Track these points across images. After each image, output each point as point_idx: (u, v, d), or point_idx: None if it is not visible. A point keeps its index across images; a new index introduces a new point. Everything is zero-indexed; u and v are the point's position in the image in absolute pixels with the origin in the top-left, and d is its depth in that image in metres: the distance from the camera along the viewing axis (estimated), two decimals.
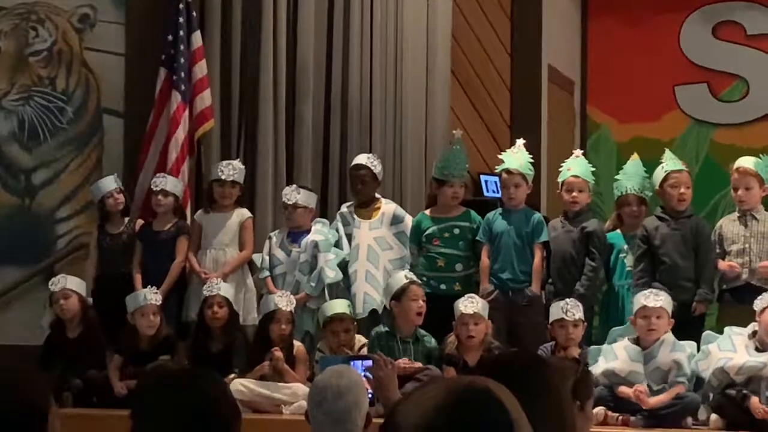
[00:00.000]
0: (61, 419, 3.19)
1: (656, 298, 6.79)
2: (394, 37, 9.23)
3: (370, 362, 5.39)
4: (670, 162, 7.56)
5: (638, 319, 6.81)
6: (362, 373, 4.78)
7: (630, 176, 7.66)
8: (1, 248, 8.82)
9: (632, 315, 6.90)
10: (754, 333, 6.74)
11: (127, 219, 8.26)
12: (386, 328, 7.29)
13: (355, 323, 7.51)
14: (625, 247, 7.63)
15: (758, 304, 6.75)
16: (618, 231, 7.74)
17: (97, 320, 7.77)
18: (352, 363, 5.61)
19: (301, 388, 6.88)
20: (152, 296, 7.57)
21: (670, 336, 6.82)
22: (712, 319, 7.58)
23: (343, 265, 7.95)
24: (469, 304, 7.05)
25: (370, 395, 4.66)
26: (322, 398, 3.86)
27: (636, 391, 6.64)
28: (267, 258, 8.01)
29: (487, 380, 2.06)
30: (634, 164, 7.74)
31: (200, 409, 2.67)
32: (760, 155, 7.49)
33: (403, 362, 6.89)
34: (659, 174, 7.50)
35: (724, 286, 7.37)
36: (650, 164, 7.74)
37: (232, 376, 7.11)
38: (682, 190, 7.45)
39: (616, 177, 7.79)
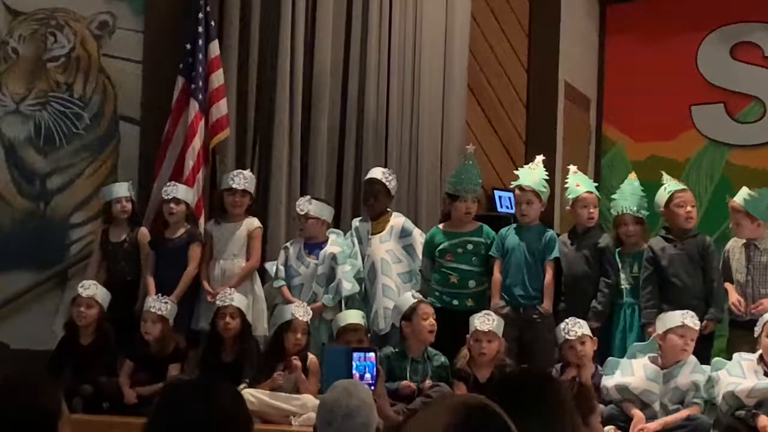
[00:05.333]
0: (71, 425, 3.20)
1: (694, 321, 6.79)
2: (411, 51, 9.24)
3: (372, 354, 5.41)
4: (671, 183, 7.58)
5: (673, 336, 6.77)
6: (366, 365, 4.79)
7: (626, 196, 7.67)
8: (14, 252, 8.84)
9: (660, 331, 6.87)
10: (761, 357, 6.75)
11: (129, 228, 8.26)
12: (396, 349, 7.25)
13: (369, 334, 7.52)
14: (620, 265, 7.63)
15: (757, 330, 6.77)
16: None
17: (111, 330, 7.78)
18: (354, 354, 5.63)
19: (311, 400, 6.88)
20: (155, 304, 7.58)
21: (692, 358, 6.81)
22: (722, 341, 7.57)
23: (359, 278, 7.96)
24: (485, 321, 7.03)
25: (372, 388, 4.67)
26: (331, 418, 3.85)
27: (636, 430, 6.62)
28: (282, 268, 8.01)
29: (482, 397, 2.07)
30: (630, 184, 7.74)
31: (215, 420, 2.68)
32: (756, 190, 7.44)
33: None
34: (663, 195, 7.50)
35: (732, 316, 7.38)
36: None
37: (243, 386, 7.11)
38: (689, 208, 7.48)
39: (612, 197, 7.80)
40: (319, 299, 7.85)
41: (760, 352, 6.75)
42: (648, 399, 6.73)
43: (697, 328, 6.81)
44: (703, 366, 6.85)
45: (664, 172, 7.74)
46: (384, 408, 6.54)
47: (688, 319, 6.79)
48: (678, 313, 6.87)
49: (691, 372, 6.75)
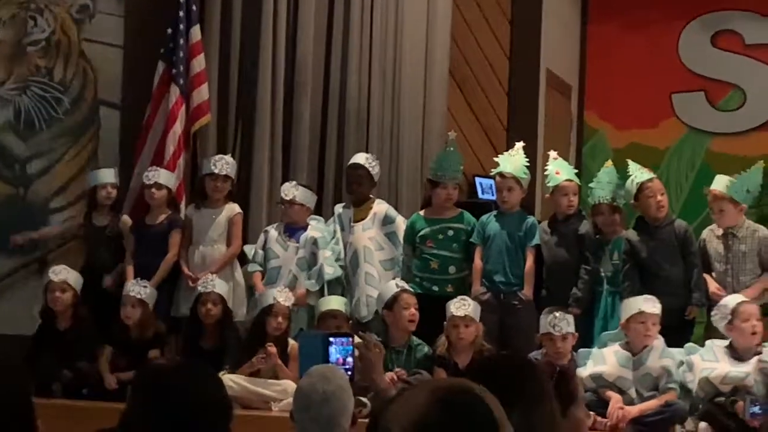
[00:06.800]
0: (50, 410, 3.20)
1: (654, 305, 6.81)
2: (393, 37, 9.22)
3: (349, 339, 5.41)
4: (638, 173, 7.59)
5: (634, 324, 6.81)
6: (344, 350, 4.79)
7: (603, 185, 7.69)
8: None
9: (623, 320, 6.91)
10: (731, 344, 6.79)
11: (112, 214, 8.25)
12: (378, 339, 7.24)
13: (350, 321, 7.52)
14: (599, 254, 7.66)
15: (718, 320, 6.83)
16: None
17: (88, 314, 7.76)
18: (332, 340, 5.62)
19: (291, 386, 6.86)
20: (134, 288, 7.56)
21: (659, 342, 6.84)
22: (700, 328, 7.60)
23: (341, 264, 7.96)
24: (461, 306, 7.04)
25: (350, 373, 4.67)
26: (308, 404, 3.85)
27: (616, 409, 6.64)
28: (261, 252, 8.00)
29: (468, 381, 2.07)
30: (607, 172, 7.76)
31: (195, 402, 2.67)
32: (742, 171, 7.50)
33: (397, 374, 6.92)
34: (631, 187, 7.52)
35: (710, 303, 7.41)
36: None
37: (223, 372, 7.10)
38: (659, 197, 7.51)
39: (589, 185, 7.82)
40: (300, 282, 7.84)
41: (729, 340, 6.80)
42: (623, 385, 6.76)
43: (658, 311, 6.82)
44: (672, 349, 6.87)
45: (630, 161, 7.74)
46: (378, 380, 6.49)
47: (647, 304, 6.81)
48: (637, 299, 6.91)
49: (660, 357, 6.79)
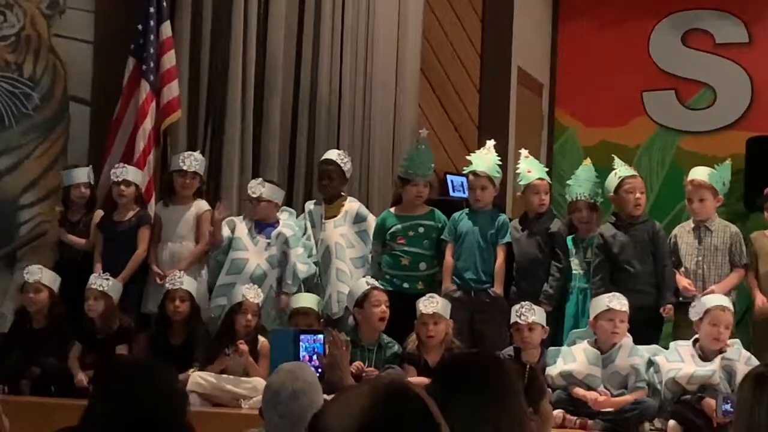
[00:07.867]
0: (18, 407, 3.19)
1: (621, 302, 6.83)
2: (365, 34, 9.22)
3: (321, 336, 5.40)
4: (622, 168, 7.61)
5: (602, 322, 6.83)
6: (314, 347, 4.79)
7: (581, 182, 7.70)
8: None
9: (591, 318, 6.93)
10: (695, 341, 6.81)
11: (86, 210, 8.23)
12: (348, 338, 7.22)
13: (322, 320, 7.50)
14: (573, 251, 7.67)
15: (693, 313, 6.81)
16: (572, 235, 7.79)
17: (64, 312, 7.71)
18: (302, 336, 5.62)
19: (261, 383, 6.83)
20: (96, 280, 7.52)
21: (628, 340, 6.86)
22: (668, 326, 7.62)
23: (313, 260, 7.94)
24: (429, 304, 7.05)
25: (319, 371, 4.67)
26: (276, 401, 3.85)
27: (592, 397, 6.67)
28: (229, 234, 7.94)
29: (404, 381, 2.05)
30: (585, 170, 7.78)
31: (151, 399, 2.67)
32: (715, 165, 7.54)
33: (362, 369, 6.90)
34: (613, 180, 7.54)
35: (681, 299, 7.42)
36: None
37: (193, 369, 7.08)
38: (638, 195, 7.52)
39: (567, 182, 7.84)
40: (269, 279, 7.81)
41: (695, 336, 6.82)
42: (592, 383, 6.77)
43: (626, 309, 6.83)
44: (640, 347, 6.89)
45: (615, 156, 7.77)
46: (345, 378, 6.49)
47: (615, 301, 6.83)
48: (604, 296, 6.92)
49: (629, 355, 6.80)
